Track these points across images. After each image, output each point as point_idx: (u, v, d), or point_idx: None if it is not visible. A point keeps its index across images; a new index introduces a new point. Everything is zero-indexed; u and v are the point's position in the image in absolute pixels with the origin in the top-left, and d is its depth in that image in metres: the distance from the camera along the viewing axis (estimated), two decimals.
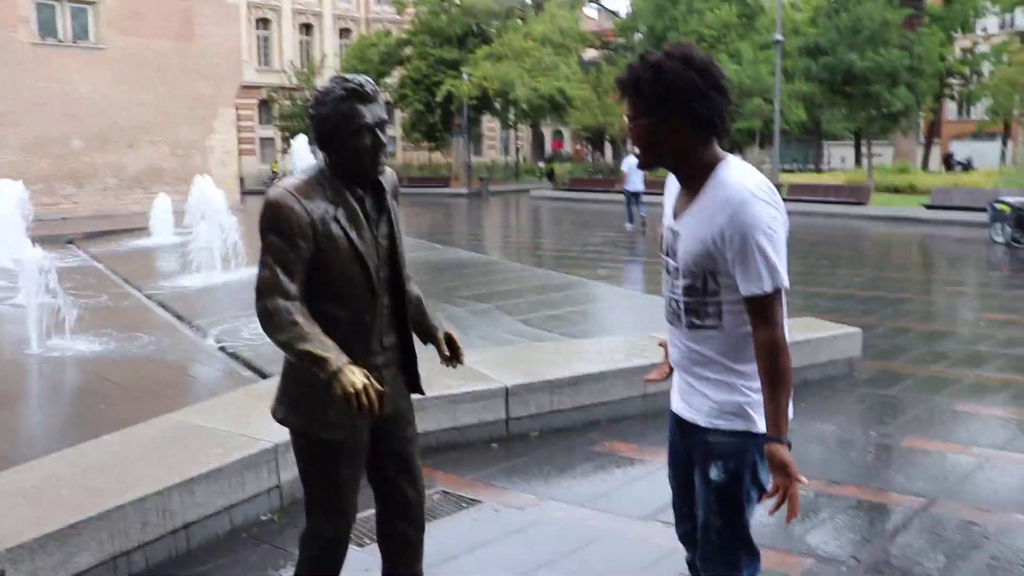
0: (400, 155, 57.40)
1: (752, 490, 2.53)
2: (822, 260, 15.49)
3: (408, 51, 47.36)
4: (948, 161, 47.82)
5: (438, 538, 4.07)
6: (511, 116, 47.89)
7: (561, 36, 43.23)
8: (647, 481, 4.88)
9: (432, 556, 3.69)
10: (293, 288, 2.58)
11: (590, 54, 54.90)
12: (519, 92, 39.81)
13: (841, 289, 11.98)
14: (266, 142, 53.41)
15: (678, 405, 2.66)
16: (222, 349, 8.25)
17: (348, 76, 2.67)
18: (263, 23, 54.43)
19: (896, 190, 29.84)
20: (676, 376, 2.68)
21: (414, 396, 3.03)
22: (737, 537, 2.57)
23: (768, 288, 2.35)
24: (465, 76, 41.22)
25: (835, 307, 10.27)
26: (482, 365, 6.07)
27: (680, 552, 2.89)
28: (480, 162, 55.71)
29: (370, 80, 2.69)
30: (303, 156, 22.41)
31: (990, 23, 49.48)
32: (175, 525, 3.90)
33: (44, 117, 27.01)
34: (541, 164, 56.03)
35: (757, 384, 2.46)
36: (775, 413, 2.39)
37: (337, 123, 2.62)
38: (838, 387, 6.87)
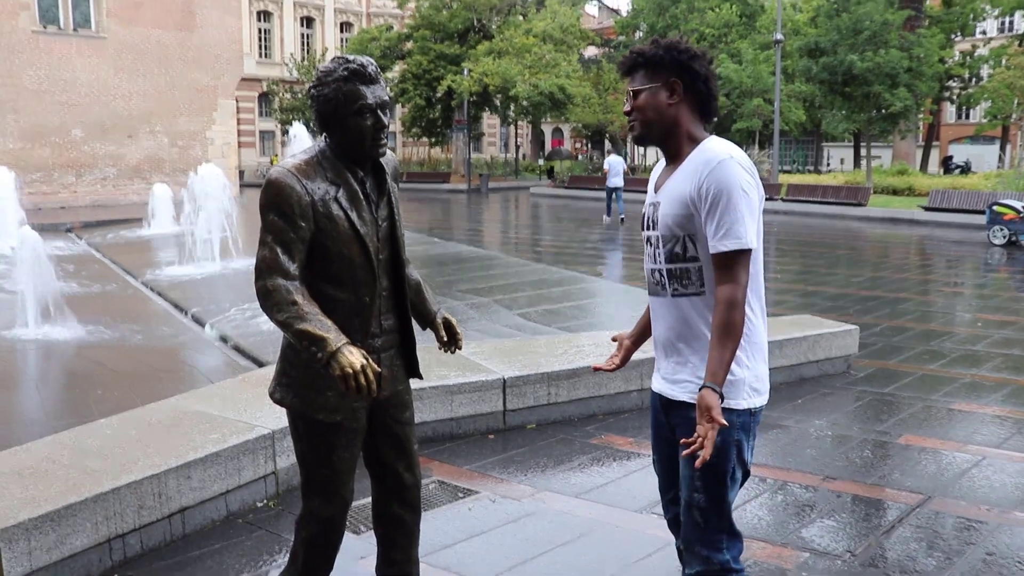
0: (400, 150, 57.35)
1: (736, 468, 2.56)
2: (820, 260, 15.49)
3: (409, 46, 47.30)
4: (947, 164, 47.85)
5: (434, 526, 4.07)
6: (511, 113, 47.86)
7: (562, 33, 43.20)
8: (643, 474, 4.87)
9: (428, 544, 3.70)
10: (293, 268, 2.57)
11: (591, 52, 54.90)
12: (519, 88, 39.78)
13: (839, 289, 11.98)
14: (266, 135, 53.39)
15: (660, 385, 2.69)
16: (222, 338, 8.24)
17: (350, 57, 2.66)
18: (264, 15, 54.37)
19: (895, 192, 29.84)
20: (658, 357, 2.71)
21: (412, 382, 3.02)
22: (720, 516, 2.59)
23: (735, 246, 2.41)
24: (466, 72, 41.16)
25: (833, 306, 10.28)
26: (480, 357, 6.06)
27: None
28: (480, 159, 55.73)
29: (372, 61, 2.68)
30: (303, 143, 22.36)
31: (989, 26, 49.51)
32: (171, 509, 3.89)
33: (44, 106, 27.00)
34: (541, 161, 56.01)
35: (741, 361, 2.51)
36: (718, 362, 2.40)
37: (339, 103, 2.61)
38: (835, 384, 6.87)
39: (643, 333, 2.92)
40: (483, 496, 4.56)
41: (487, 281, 11.54)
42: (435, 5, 46.12)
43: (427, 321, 3.03)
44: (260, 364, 6.92)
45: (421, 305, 3.01)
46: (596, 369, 2.92)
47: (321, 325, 2.49)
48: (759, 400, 2.58)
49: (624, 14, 54.63)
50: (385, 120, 2.68)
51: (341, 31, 57.27)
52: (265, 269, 2.57)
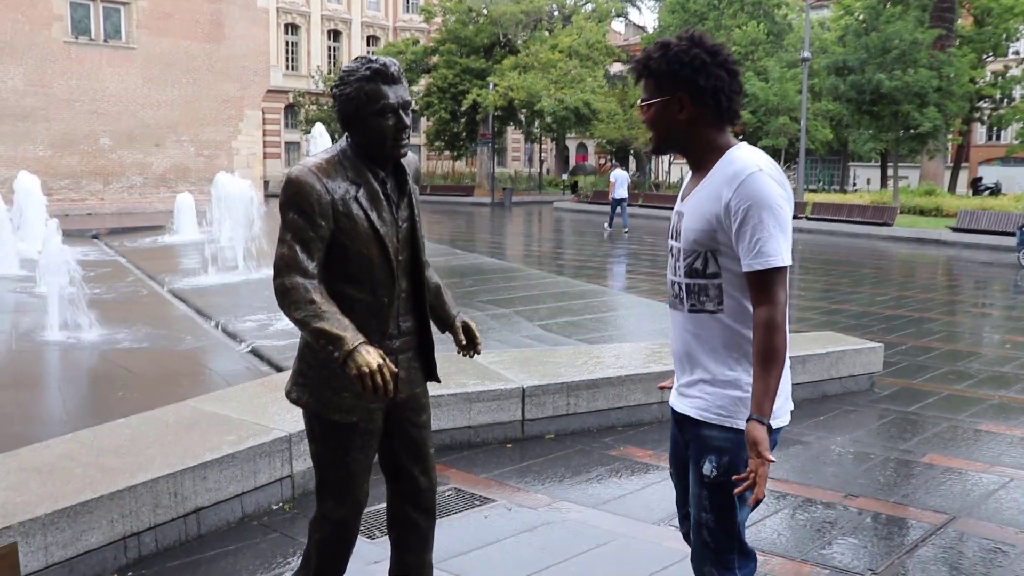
0: (424, 163, 57.62)
1: (747, 490, 2.42)
2: (844, 278, 15.36)
3: (435, 60, 47.55)
4: (976, 185, 47.38)
5: (449, 533, 4.04)
6: (536, 128, 47.94)
7: (588, 49, 43.28)
8: (661, 486, 4.82)
9: (442, 551, 3.67)
10: (312, 266, 2.56)
11: (616, 68, 54.95)
12: (545, 103, 39.84)
13: (863, 307, 11.86)
14: (291, 146, 53.79)
15: (674, 398, 2.63)
16: (242, 344, 8.27)
17: (373, 57, 2.65)
18: (292, 28, 54.88)
19: (922, 212, 29.57)
20: (675, 369, 2.65)
21: (431, 387, 2.99)
22: (729, 536, 2.51)
23: (771, 264, 2.31)
24: (491, 86, 41.30)
25: (857, 324, 10.17)
26: (499, 365, 6.04)
27: None
28: (503, 173, 55.82)
29: (395, 61, 2.67)
30: (324, 142, 22.44)
31: (1023, 47, 49.04)
32: (186, 509, 3.89)
33: (74, 114, 27.35)
34: (565, 176, 56.01)
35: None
36: (762, 392, 2.32)
37: (360, 103, 2.60)
38: (858, 402, 6.78)
39: None
40: (499, 504, 4.53)
41: (508, 292, 11.53)
42: (461, 19, 46.38)
43: (446, 324, 3.01)
44: (279, 369, 6.92)
45: (440, 308, 2.99)
46: (662, 388, 2.85)
47: (339, 324, 2.47)
48: (775, 421, 2.42)
49: (651, 31, 54.68)
50: (407, 120, 2.66)
51: (368, 44, 57.68)
52: (283, 267, 2.55)
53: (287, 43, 54.60)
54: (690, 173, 2.59)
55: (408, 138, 2.71)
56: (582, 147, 67.99)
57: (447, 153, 51.17)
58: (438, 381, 2.96)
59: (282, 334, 8.16)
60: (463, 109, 44.74)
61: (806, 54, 31.01)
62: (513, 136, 60.66)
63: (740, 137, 2.58)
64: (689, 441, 2.56)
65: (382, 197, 2.68)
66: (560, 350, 7.19)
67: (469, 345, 3.00)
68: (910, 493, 4.87)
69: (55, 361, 7.91)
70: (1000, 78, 42.45)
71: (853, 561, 3.95)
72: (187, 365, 7.66)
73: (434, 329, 2.94)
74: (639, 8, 59.68)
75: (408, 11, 59.45)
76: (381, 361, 2.43)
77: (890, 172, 36.44)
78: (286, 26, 54.41)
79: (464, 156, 51.22)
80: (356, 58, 2.68)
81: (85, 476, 3.71)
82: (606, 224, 24.64)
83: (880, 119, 30.43)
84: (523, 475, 5.01)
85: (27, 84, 26.45)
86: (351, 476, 2.77)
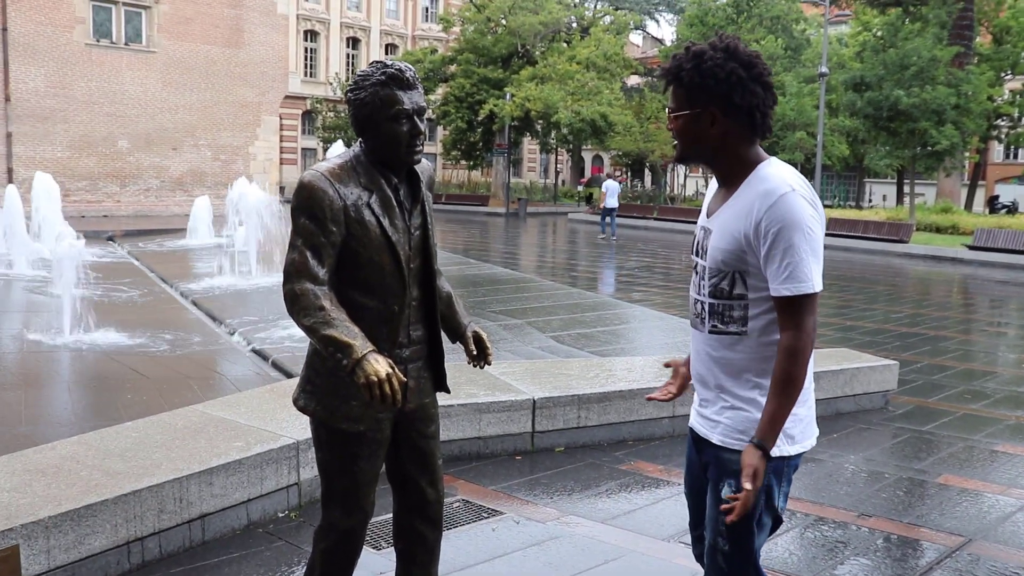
0: (440, 172, 57.69)
1: (765, 514, 2.39)
2: (859, 295, 15.24)
3: (453, 69, 47.65)
4: (992, 203, 47.06)
5: (456, 546, 4.00)
6: (552, 139, 47.95)
7: (605, 61, 43.24)
8: (672, 502, 4.77)
9: (449, 563, 3.63)
10: (322, 272, 2.52)
11: (633, 80, 54.94)
12: (561, 115, 39.83)
13: (878, 324, 11.76)
14: (308, 152, 53.95)
15: (694, 419, 2.55)
16: (253, 350, 8.26)
17: (388, 62, 2.62)
18: (311, 35, 55.11)
19: (938, 230, 29.41)
20: (695, 388, 2.57)
21: (441, 398, 2.95)
22: (745, 563, 2.42)
23: (802, 290, 2.23)
24: (508, 96, 41.34)
25: (871, 341, 10.07)
26: (510, 377, 5.99)
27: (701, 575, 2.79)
28: (519, 183, 55.84)
29: (410, 67, 2.63)
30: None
31: None
32: (191, 515, 3.86)
33: (93, 116, 27.54)
34: (580, 188, 55.97)
35: None
36: (770, 419, 2.24)
37: (375, 108, 2.57)
38: (872, 420, 6.70)
39: None
40: (507, 517, 4.48)
41: (521, 303, 11.48)
42: (480, 29, 46.46)
43: (457, 334, 2.96)
44: (288, 375, 6.90)
45: (452, 318, 2.94)
46: (650, 399, 2.74)
47: (348, 332, 2.43)
48: (793, 448, 2.35)
49: (668, 43, 54.67)
50: (421, 126, 2.63)
51: (386, 52, 57.86)
52: (293, 273, 2.52)
53: (306, 50, 54.84)
54: (713, 185, 2.51)
55: (422, 144, 2.67)
56: (598, 159, 67.93)
57: (463, 162, 51.22)
58: (448, 391, 2.92)
59: (293, 340, 8.14)
60: (480, 119, 44.76)
61: (824, 69, 30.92)
62: (529, 147, 60.67)
63: None
64: (707, 463, 2.48)
65: (395, 204, 2.65)
66: (572, 362, 7.13)
67: (480, 355, 2.95)
68: (924, 514, 4.80)
69: (65, 362, 7.92)
70: (1018, 96, 42.24)
71: None
72: (197, 369, 7.64)
73: (444, 339, 2.90)
74: (657, 21, 59.66)
75: (427, 20, 59.65)
76: (390, 370, 2.39)
77: (906, 189, 36.24)
78: (305, 33, 54.65)
79: (480, 166, 51.23)
80: (372, 63, 2.65)
81: (90, 479, 3.68)
82: (600, 234, 27.02)
83: (897, 135, 30.30)
84: (532, 488, 4.95)
85: (48, 86, 26.66)
86: (358, 485, 2.73)
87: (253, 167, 30.70)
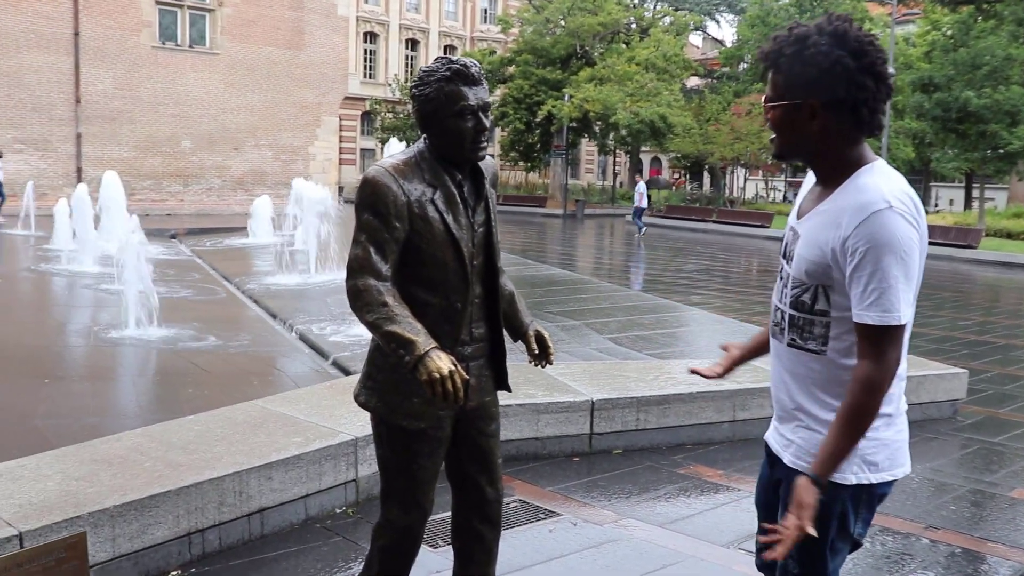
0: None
1: (839, 541, 2.22)
2: (925, 301, 14.86)
3: (511, 70, 47.69)
4: None
5: (513, 546, 3.97)
6: (610, 140, 47.70)
7: (665, 62, 42.90)
8: (731, 507, 4.68)
9: (505, 563, 3.60)
10: (385, 268, 2.51)
11: (693, 82, 54.42)
12: (620, 116, 39.61)
13: (945, 331, 11.44)
14: (367, 153, 54.48)
15: (770, 433, 2.42)
16: (312, 347, 8.33)
17: (454, 57, 2.60)
18: (371, 37, 55.66)
19: (1009, 235, 28.58)
20: (773, 402, 2.42)
21: (499, 397, 2.92)
22: None
23: (887, 320, 2.00)
24: (567, 97, 41.26)
25: (938, 349, 9.81)
26: (568, 378, 5.95)
27: None
28: (576, 185, 55.68)
29: (476, 62, 2.61)
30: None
31: None
32: (250, 508, 3.89)
33: (158, 117, 28.18)
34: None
35: None
36: (831, 450, 2.04)
37: (439, 104, 2.55)
38: (940, 430, 6.51)
39: (756, 349, 2.56)
40: (564, 519, 4.44)
41: (579, 304, 11.43)
42: (539, 31, 46.43)
43: (519, 333, 2.93)
44: (347, 372, 6.95)
45: (514, 316, 2.92)
46: (693, 371, 2.57)
47: (411, 328, 2.42)
48: (875, 476, 2.14)
49: (729, 45, 54.05)
50: (487, 122, 2.60)
51: (445, 54, 57.99)
52: (357, 268, 2.51)
53: (365, 51, 55.41)
54: (809, 178, 2.28)
55: (487, 140, 2.65)
56: (656, 161, 67.42)
57: (520, 164, 51.25)
58: (509, 390, 2.89)
59: (352, 337, 8.20)
60: (538, 120, 44.71)
61: (890, 70, 30.22)
62: (587, 148, 60.47)
63: None
64: (780, 480, 2.35)
65: (459, 200, 2.63)
66: (630, 364, 7.06)
67: (541, 355, 2.92)
68: (996, 528, 4.63)
69: (130, 356, 8.08)
70: None
71: None
72: (257, 365, 7.74)
73: (506, 337, 2.87)
74: (718, 22, 58.78)
75: (486, 21, 59.85)
76: (452, 367, 2.36)
77: (975, 193, 35.30)
78: (365, 35, 55.22)
79: (538, 167, 51.19)
80: (436, 58, 2.63)
81: (153, 470, 3.73)
82: (638, 233, 28.62)
83: (966, 138, 29.51)
84: (589, 490, 4.91)
85: (116, 87, 27.34)
86: (417, 484, 2.71)
87: (313, 167, 31.11)
